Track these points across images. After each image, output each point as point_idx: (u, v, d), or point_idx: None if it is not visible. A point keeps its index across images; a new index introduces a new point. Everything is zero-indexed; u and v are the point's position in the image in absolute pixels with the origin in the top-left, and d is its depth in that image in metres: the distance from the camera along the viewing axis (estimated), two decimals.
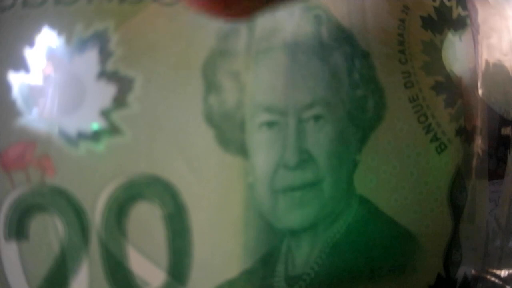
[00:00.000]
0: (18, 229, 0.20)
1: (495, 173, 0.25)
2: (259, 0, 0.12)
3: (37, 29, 0.21)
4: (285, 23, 0.21)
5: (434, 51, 0.23)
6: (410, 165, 0.22)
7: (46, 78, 0.20)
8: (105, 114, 0.20)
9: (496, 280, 0.25)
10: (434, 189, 0.22)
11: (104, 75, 0.20)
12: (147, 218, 0.20)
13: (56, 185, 0.20)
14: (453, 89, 0.23)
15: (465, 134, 0.23)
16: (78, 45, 0.20)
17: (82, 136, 0.20)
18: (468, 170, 0.24)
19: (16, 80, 0.20)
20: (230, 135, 0.20)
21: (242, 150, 0.20)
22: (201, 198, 0.20)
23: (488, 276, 0.25)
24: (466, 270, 0.24)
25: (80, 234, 0.20)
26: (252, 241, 0.20)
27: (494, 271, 0.25)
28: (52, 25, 0.20)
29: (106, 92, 0.20)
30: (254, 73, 0.20)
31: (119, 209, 0.20)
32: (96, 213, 0.20)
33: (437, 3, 0.23)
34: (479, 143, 0.24)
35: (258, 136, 0.20)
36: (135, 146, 0.20)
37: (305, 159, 0.20)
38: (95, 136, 0.20)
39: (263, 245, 0.20)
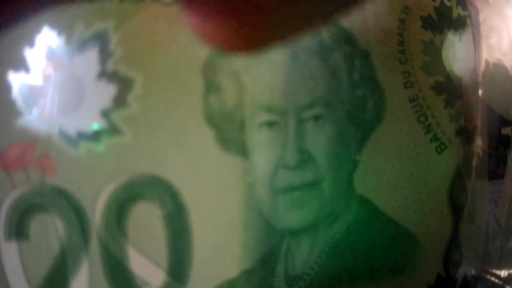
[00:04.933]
0: (18, 229, 0.20)
1: (495, 173, 0.25)
2: (276, 34, 0.12)
3: (37, 29, 0.21)
4: None
5: (434, 51, 0.23)
6: (410, 165, 0.22)
7: (46, 78, 0.20)
8: (105, 114, 0.20)
9: (496, 280, 0.25)
10: (434, 189, 0.22)
11: (104, 75, 0.20)
12: (147, 218, 0.20)
13: (56, 185, 0.20)
14: (453, 89, 0.23)
15: (465, 134, 0.23)
16: (78, 45, 0.20)
17: (82, 136, 0.20)
18: (468, 170, 0.24)
19: (16, 80, 0.20)
20: (230, 135, 0.20)
21: (242, 150, 0.20)
22: (201, 198, 0.20)
23: (488, 276, 0.25)
24: (466, 270, 0.24)
25: (80, 234, 0.20)
26: (252, 241, 0.20)
27: (494, 271, 0.25)
28: (52, 25, 0.20)
29: (106, 92, 0.20)
30: (254, 73, 0.20)
31: (119, 209, 0.20)
32: (96, 213, 0.20)
33: (437, 3, 0.23)
34: (479, 143, 0.24)
35: (258, 136, 0.20)
36: (135, 146, 0.20)
37: (305, 159, 0.20)
38: (95, 136, 0.20)
39: (263, 245, 0.20)
